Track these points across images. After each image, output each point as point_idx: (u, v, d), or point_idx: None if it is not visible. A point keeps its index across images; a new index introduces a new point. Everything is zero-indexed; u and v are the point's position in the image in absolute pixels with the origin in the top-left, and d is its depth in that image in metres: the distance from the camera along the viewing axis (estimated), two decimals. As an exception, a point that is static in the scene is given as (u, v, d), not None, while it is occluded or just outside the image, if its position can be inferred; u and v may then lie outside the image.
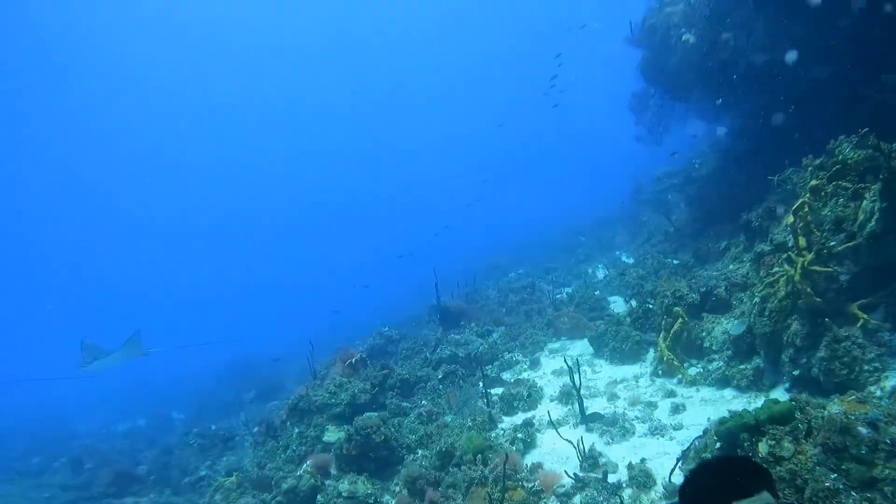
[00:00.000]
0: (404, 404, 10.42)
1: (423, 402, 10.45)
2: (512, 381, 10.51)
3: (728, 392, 7.72)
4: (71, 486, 16.17)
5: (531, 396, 9.35)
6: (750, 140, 12.93)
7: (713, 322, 8.89)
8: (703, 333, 8.86)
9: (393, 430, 8.99)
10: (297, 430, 10.80)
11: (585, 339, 11.38)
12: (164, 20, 70.08)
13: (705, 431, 5.73)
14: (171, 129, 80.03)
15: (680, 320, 8.97)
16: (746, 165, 12.64)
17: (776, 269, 7.46)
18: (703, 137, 18.52)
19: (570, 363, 8.57)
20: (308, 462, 9.28)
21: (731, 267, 10.16)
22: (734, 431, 4.79)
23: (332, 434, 9.93)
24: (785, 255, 7.19)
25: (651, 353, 9.88)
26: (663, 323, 9.35)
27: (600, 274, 17.49)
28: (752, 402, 7.04)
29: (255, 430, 14.59)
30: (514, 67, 71.01)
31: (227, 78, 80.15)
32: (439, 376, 11.08)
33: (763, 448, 4.47)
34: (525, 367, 11.36)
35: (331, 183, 79.79)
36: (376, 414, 9.48)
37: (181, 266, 68.17)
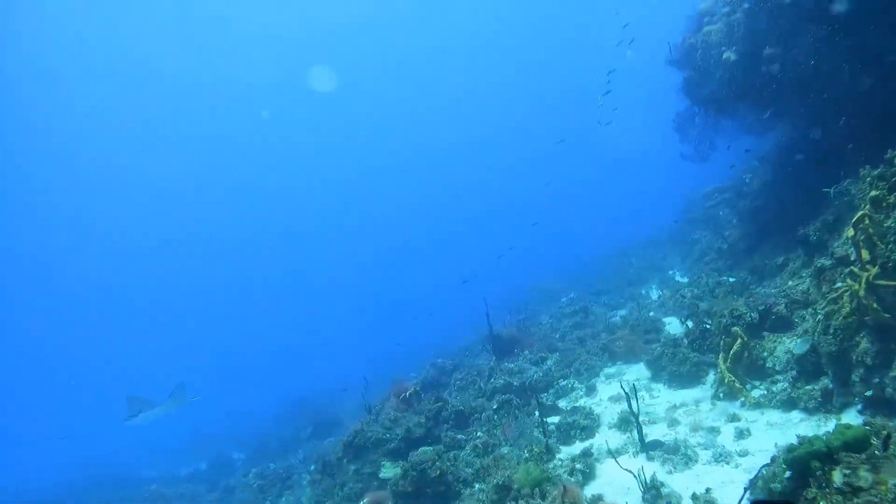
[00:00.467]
0: (459, 436, 10.31)
1: (478, 433, 10.31)
2: (568, 408, 10.31)
3: (795, 415, 7.37)
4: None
5: (588, 424, 9.13)
6: (802, 152, 12.58)
7: (775, 341, 8.56)
8: (765, 353, 8.53)
9: (448, 463, 8.87)
10: (353, 468, 10.79)
11: (642, 363, 11.11)
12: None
13: (773, 459, 5.45)
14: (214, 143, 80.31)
15: (739, 340, 8.65)
16: (799, 178, 12.30)
17: (839, 284, 7.15)
18: (752, 151, 18.12)
19: (626, 389, 8.36)
20: (365, 500, 9.26)
21: (790, 283, 9.79)
22: (804, 459, 4.54)
23: (389, 470, 9.86)
24: (847, 270, 6.90)
25: (711, 376, 9.55)
26: (722, 343, 9.02)
27: (654, 295, 17.11)
28: (821, 426, 6.71)
29: (312, 468, 14.69)
30: (565, 81, 70.62)
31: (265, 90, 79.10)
32: (494, 406, 10.94)
33: (837, 477, 4.23)
34: (581, 393, 11.14)
35: (384, 209, 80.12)
36: (431, 448, 9.41)
37: (233, 299, 69.37)
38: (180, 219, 78.50)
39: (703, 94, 13.57)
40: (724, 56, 11.60)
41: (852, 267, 6.72)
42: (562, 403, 10.86)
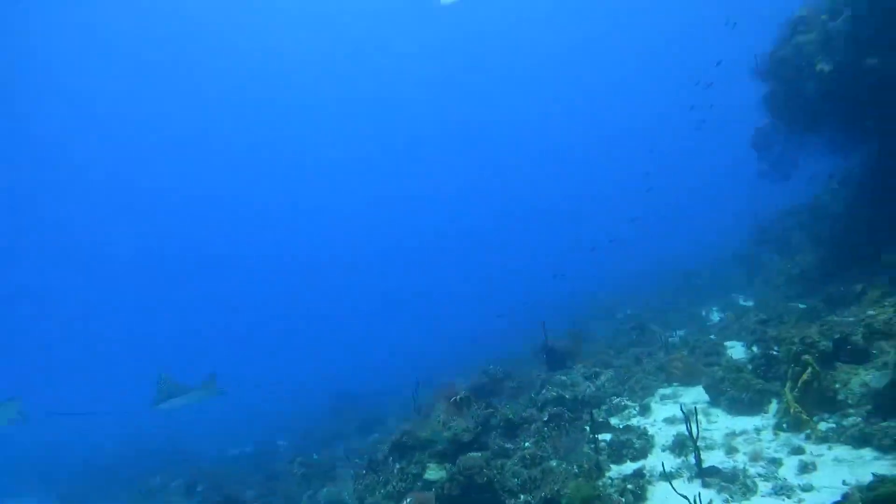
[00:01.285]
0: (508, 446, 10.13)
1: (526, 444, 10.11)
2: (621, 427, 10.01)
3: (867, 452, 6.90)
4: (184, 507, 17.00)
5: (642, 445, 8.86)
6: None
7: (849, 373, 8.11)
8: (837, 385, 8.07)
9: (496, 471, 8.75)
10: (398, 466, 10.72)
11: (700, 387, 10.68)
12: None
13: (846, 496, 5.12)
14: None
15: (810, 369, 8.20)
16: (887, 203, 11.66)
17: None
18: (833, 173, 17.33)
19: (686, 410, 8.06)
20: (408, 499, 9.18)
21: (869, 312, 9.27)
22: (888, 500, 4.20)
23: (434, 472, 9.81)
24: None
25: (774, 405, 9.10)
26: (790, 372, 8.57)
27: (715, 317, 16.54)
28: (896, 466, 6.28)
29: (356, 461, 14.75)
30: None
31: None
32: (544, 418, 10.69)
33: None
34: (634, 412, 10.82)
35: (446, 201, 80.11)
36: (480, 454, 9.29)
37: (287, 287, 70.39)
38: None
39: (789, 108, 13.06)
40: (818, 67, 11.09)
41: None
42: (614, 421, 10.54)
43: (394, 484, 10.24)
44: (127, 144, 67.09)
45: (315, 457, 17.56)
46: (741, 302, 17.04)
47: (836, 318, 9.86)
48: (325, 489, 14.88)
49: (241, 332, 59.62)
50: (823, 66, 11.26)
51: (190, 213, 76.84)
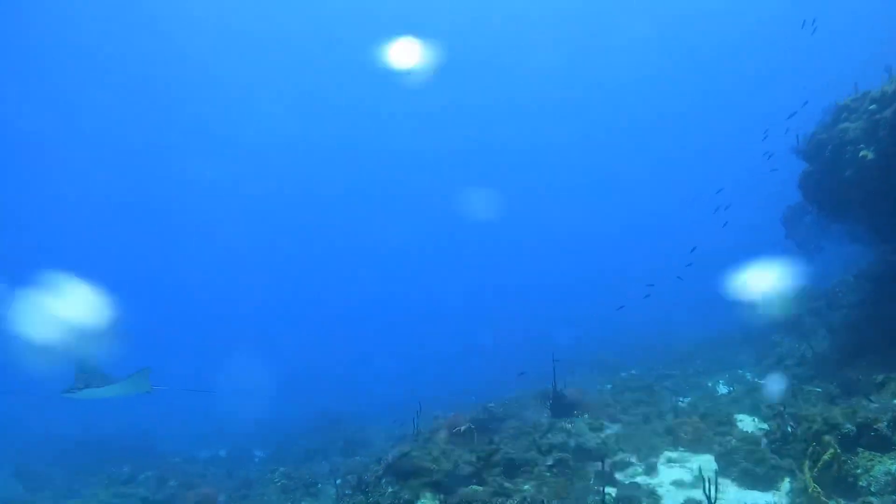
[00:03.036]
0: (507, 485, 9.87)
1: (525, 486, 9.88)
2: (626, 483, 9.78)
3: (889, 543, 6.72)
4: (152, 500, 16.46)
5: None
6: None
7: (871, 459, 7.92)
8: (858, 470, 7.88)
9: (497, 509, 8.51)
10: (391, 490, 10.45)
11: (709, 455, 10.48)
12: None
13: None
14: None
15: (831, 450, 8.05)
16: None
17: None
18: (849, 264, 17.38)
19: (705, 475, 7.89)
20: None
21: (894, 402, 9.12)
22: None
23: (428, 501, 9.59)
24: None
25: (787, 483, 8.91)
26: (809, 451, 8.43)
27: (722, 389, 16.31)
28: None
29: (339, 482, 14.38)
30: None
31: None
32: (549, 462, 10.46)
33: None
34: (639, 471, 10.57)
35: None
36: (482, 488, 9.06)
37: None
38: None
39: (821, 192, 13.08)
40: (861, 154, 11.10)
41: None
42: (618, 476, 10.30)
43: (382, 507, 9.96)
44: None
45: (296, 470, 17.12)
46: (749, 377, 16.81)
47: (862, 402, 9.67)
48: (303, 503, 14.55)
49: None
50: (867, 153, 11.27)
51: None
